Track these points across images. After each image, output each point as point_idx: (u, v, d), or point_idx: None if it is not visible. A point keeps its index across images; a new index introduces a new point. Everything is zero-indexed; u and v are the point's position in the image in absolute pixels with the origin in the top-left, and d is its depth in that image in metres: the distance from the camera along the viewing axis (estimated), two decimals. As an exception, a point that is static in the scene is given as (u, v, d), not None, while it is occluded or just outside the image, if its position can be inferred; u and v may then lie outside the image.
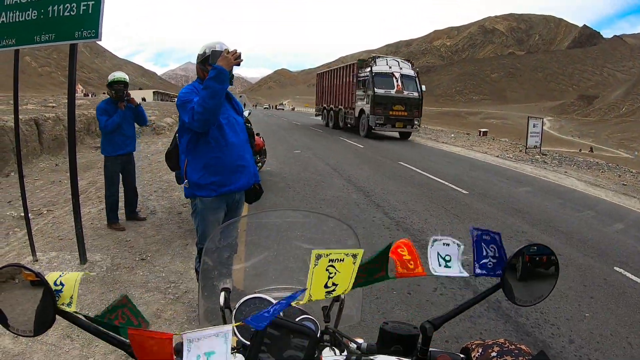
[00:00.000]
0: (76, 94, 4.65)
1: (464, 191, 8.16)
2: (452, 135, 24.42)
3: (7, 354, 2.65)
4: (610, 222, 6.65)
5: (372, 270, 0.84)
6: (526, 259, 0.82)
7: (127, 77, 5.11)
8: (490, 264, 0.86)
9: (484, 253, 0.87)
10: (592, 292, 4.01)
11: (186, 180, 2.86)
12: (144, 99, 48.62)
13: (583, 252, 5.07)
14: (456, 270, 0.85)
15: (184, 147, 2.88)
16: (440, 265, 0.85)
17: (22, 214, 4.07)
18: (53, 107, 13.53)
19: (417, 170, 10.29)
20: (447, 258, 0.86)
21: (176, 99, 2.84)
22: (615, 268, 4.62)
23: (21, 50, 3.85)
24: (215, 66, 2.58)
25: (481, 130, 33.67)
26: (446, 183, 8.83)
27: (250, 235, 1.20)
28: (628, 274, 4.44)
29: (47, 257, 4.15)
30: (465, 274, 0.84)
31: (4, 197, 6.44)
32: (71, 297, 0.75)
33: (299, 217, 1.22)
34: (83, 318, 0.66)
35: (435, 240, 0.88)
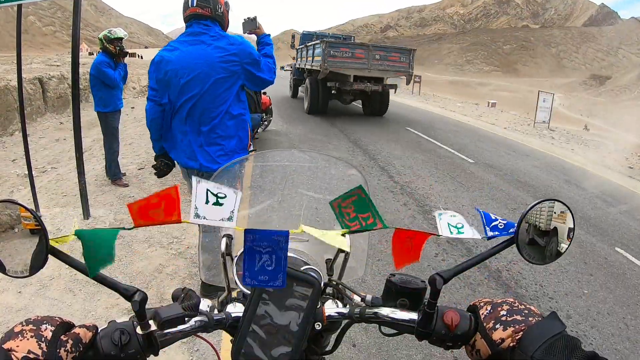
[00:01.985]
0: (81, 53, 4.60)
1: (470, 160, 8.09)
2: (460, 104, 23.74)
3: (10, 309, 2.69)
4: (615, 203, 6.55)
5: (368, 226, 0.77)
6: (540, 215, 0.77)
7: (126, 33, 5.15)
8: (501, 225, 0.82)
9: (493, 217, 0.84)
10: (592, 270, 4.01)
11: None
12: (141, 57, 49.75)
13: (585, 230, 5.04)
14: (469, 233, 0.81)
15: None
16: (452, 233, 0.81)
17: (26, 172, 4.07)
18: (57, 66, 13.32)
19: (424, 136, 10.20)
20: (459, 225, 0.82)
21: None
22: (616, 248, 4.59)
23: (25, 9, 3.76)
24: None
25: (490, 101, 32.80)
26: (452, 151, 8.75)
27: (255, 179, 1.15)
28: (629, 256, 4.43)
29: (50, 213, 4.18)
30: (478, 236, 0.81)
31: (8, 156, 6.45)
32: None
33: (307, 159, 1.16)
34: (75, 258, 0.64)
35: (441, 214, 0.84)
